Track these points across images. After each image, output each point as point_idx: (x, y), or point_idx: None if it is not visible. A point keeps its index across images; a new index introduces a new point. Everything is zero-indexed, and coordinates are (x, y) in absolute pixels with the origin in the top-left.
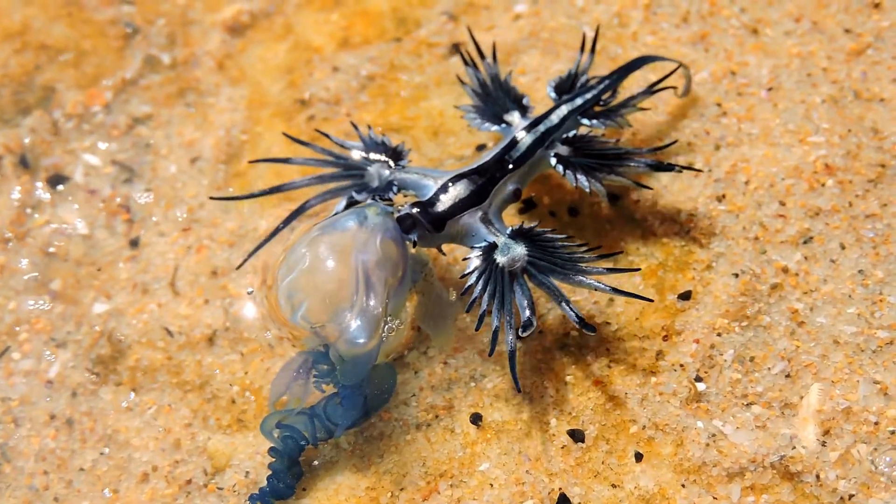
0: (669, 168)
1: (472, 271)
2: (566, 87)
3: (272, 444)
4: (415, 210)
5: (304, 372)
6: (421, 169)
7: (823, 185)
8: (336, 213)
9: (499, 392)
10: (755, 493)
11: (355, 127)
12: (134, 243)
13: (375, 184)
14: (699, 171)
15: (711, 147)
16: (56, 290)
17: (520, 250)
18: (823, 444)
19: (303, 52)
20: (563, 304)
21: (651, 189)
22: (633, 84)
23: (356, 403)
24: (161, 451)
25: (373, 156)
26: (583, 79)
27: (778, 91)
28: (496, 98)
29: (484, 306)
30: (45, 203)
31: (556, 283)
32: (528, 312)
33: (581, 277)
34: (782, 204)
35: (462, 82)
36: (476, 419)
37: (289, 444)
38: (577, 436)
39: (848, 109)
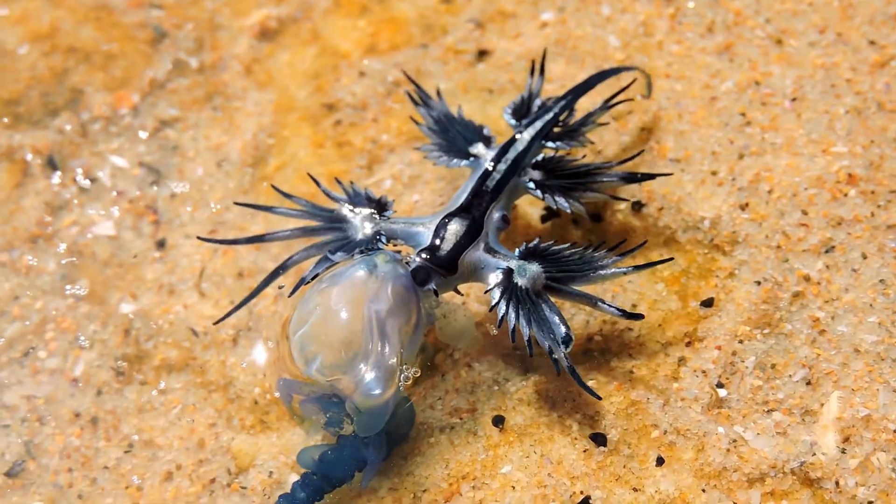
0: (642, 178)
1: (500, 301)
2: (523, 111)
3: (308, 471)
4: (424, 258)
5: (311, 404)
6: (406, 218)
7: (846, 195)
8: (322, 268)
9: (522, 395)
10: (775, 498)
11: (338, 182)
12: (160, 244)
13: (360, 236)
14: (669, 174)
15: (735, 156)
16: (82, 291)
17: (535, 268)
18: (843, 451)
19: (330, 58)
20: (600, 304)
21: (627, 200)
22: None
23: (381, 443)
24: (185, 450)
25: (357, 209)
26: (538, 101)
27: (802, 101)
28: (455, 134)
29: (526, 332)
30: (72, 204)
31: (581, 287)
32: (562, 329)
33: (600, 272)
34: (805, 213)
35: (415, 122)
36: (499, 422)
37: (340, 469)
38: (599, 440)
39: (871, 120)
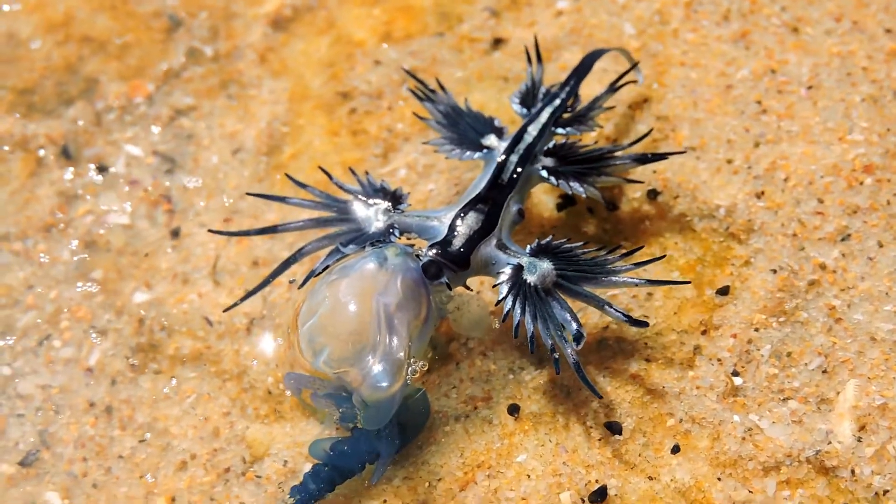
0: (654, 158)
1: (507, 296)
2: (529, 100)
3: (320, 462)
4: (435, 253)
5: (323, 399)
6: (420, 212)
7: (862, 183)
8: (333, 260)
9: (537, 384)
10: (790, 487)
11: (353, 173)
12: (175, 233)
13: (373, 229)
14: (682, 152)
15: (751, 144)
16: (97, 280)
17: (546, 265)
18: (859, 439)
19: (345, 46)
20: (606, 307)
21: (642, 182)
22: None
23: (394, 436)
24: (200, 440)
25: (371, 200)
26: (543, 88)
27: (818, 89)
28: (466, 126)
29: (530, 328)
30: (86, 193)
31: (590, 289)
32: (574, 325)
33: (612, 277)
34: (821, 201)
35: (421, 118)
36: (514, 410)
37: (351, 461)
38: (614, 428)
39: (887, 109)
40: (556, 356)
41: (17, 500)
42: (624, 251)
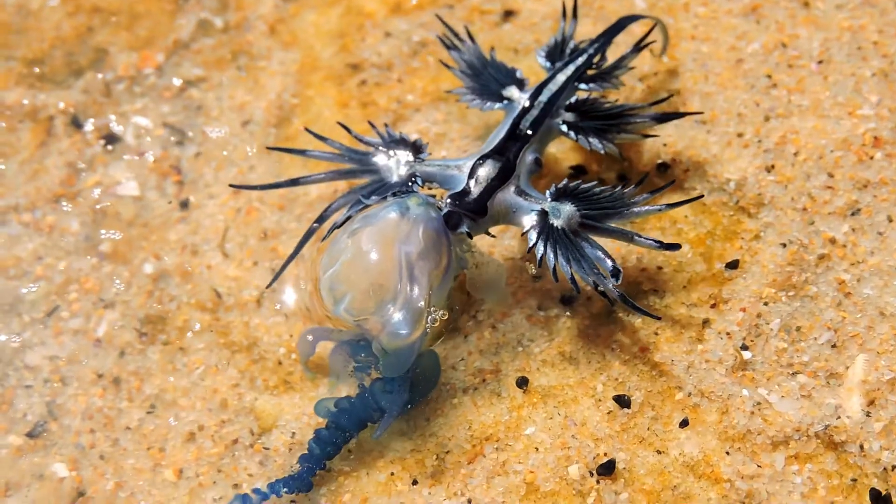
0: (673, 117)
1: (537, 242)
2: (556, 54)
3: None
4: (452, 203)
5: (341, 351)
6: (441, 160)
7: (872, 157)
8: (354, 211)
9: (546, 357)
10: (799, 461)
11: (372, 125)
12: (184, 205)
13: (395, 179)
14: (700, 112)
15: (761, 118)
16: (106, 251)
17: (569, 208)
18: (868, 414)
19: (355, 17)
20: (636, 237)
21: (657, 136)
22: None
23: (403, 390)
24: (208, 411)
25: (392, 151)
26: (571, 44)
27: (828, 64)
28: (489, 77)
29: (568, 271)
30: (96, 164)
31: (616, 224)
32: (609, 262)
33: (634, 209)
34: (831, 175)
35: (446, 66)
36: (523, 383)
37: (355, 419)
38: (623, 401)
39: None
40: (601, 290)
41: (25, 471)
42: (637, 181)
